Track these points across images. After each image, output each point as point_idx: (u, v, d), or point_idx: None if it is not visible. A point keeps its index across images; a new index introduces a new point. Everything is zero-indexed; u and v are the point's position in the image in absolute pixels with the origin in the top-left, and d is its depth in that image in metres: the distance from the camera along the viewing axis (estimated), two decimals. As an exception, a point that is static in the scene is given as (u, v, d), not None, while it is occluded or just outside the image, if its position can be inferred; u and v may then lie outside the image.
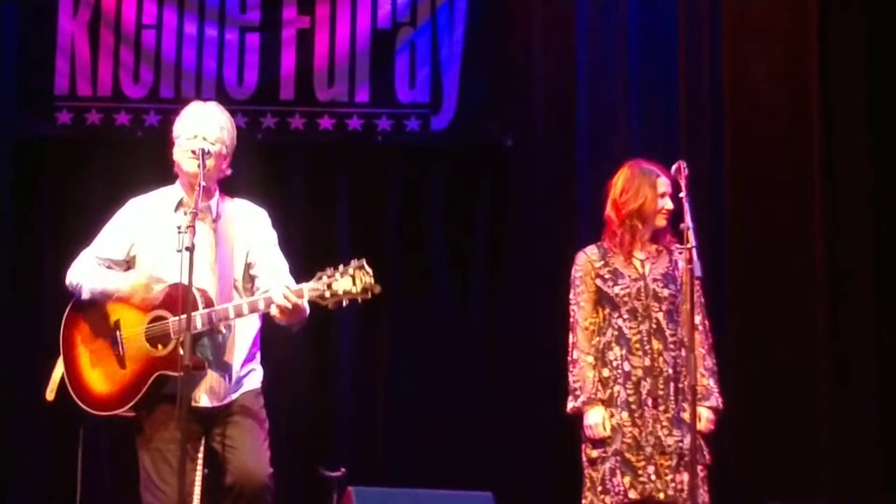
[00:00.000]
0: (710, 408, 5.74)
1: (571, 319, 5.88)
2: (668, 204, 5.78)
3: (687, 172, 5.59)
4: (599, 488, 5.71)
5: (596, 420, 5.70)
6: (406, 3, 7.87)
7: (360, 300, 4.93)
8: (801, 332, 7.50)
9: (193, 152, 5.23)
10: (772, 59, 7.77)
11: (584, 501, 5.77)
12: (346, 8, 7.86)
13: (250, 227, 5.41)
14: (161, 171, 7.41)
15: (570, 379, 5.80)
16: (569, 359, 5.84)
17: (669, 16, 7.83)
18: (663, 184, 5.80)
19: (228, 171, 5.39)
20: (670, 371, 5.71)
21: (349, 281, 4.90)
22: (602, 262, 5.85)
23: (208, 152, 5.21)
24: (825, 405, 7.42)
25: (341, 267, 4.92)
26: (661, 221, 5.82)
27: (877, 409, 7.40)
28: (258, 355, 5.42)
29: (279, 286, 5.03)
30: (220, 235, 5.31)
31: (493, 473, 7.20)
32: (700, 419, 5.62)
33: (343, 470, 6.88)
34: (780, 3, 7.80)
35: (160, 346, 5.15)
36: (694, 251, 5.40)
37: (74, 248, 7.65)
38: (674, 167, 5.63)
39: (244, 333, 5.35)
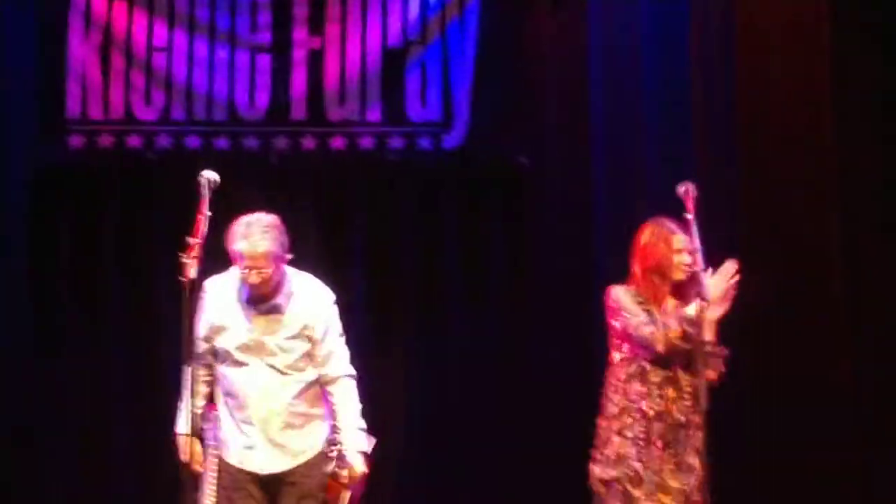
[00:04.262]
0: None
1: (633, 332, 5.83)
2: (685, 259, 5.78)
3: (695, 194, 5.57)
4: None
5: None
6: (416, 22, 7.85)
7: None
8: (820, 350, 7.44)
9: (249, 269, 5.48)
10: (786, 67, 7.71)
11: None
12: (356, 27, 7.84)
13: (312, 312, 5.64)
14: (171, 192, 7.50)
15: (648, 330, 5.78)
16: (655, 340, 5.77)
17: (682, 26, 7.75)
18: (679, 241, 5.80)
19: (289, 256, 5.59)
20: (682, 419, 5.75)
21: None
22: (640, 301, 5.88)
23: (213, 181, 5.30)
24: (848, 420, 7.37)
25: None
26: (679, 275, 5.82)
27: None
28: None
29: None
30: (283, 322, 5.60)
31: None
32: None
33: None
34: (791, 9, 7.74)
35: None
36: (702, 274, 5.41)
37: (89, 273, 7.76)
38: (681, 188, 5.60)
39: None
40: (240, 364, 5.58)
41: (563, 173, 7.79)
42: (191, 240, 5.12)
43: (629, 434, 5.77)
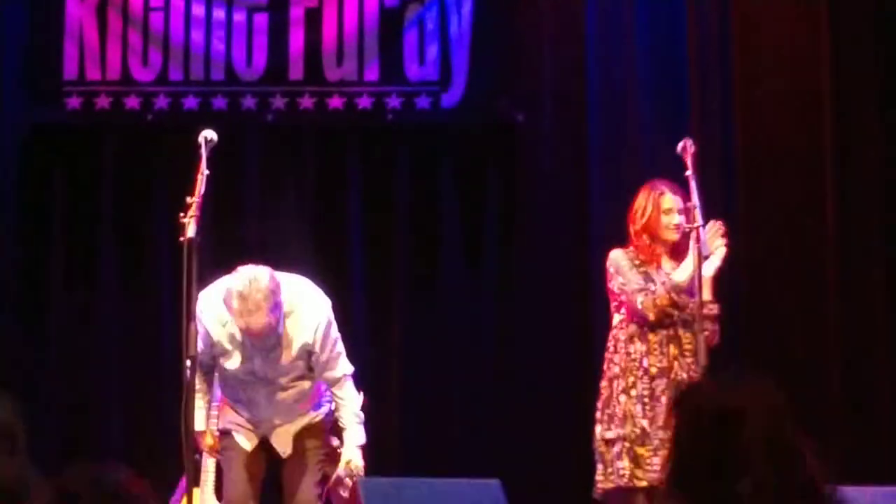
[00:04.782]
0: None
1: (627, 298, 5.86)
2: (674, 219, 5.79)
3: (693, 150, 5.58)
4: (609, 469, 5.83)
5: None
6: (414, -21, 7.83)
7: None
8: (814, 311, 7.46)
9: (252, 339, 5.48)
10: (783, 36, 7.70)
11: (597, 476, 5.90)
12: (354, -15, 7.82)
13: (311, 329, 5.60)
14: (170, 152, 7.50)
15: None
16: (645, 310, 5.82)
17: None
18: (669, 200, 5.83)
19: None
20: (684, 375, 5.82)
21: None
22: (637, 262, 5.89)
23: (210, 139, 5.30)
24: (838, 392, 7.38)
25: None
26: (670, 236, 5.86)
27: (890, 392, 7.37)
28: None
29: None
30: (283, 346, 5.58)
31: (502, 460, 7.19)
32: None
33: None
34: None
35: None
36: (701, 230, 5.42)
37: (84, 236, 7.75)
38: (679, 145, 5.62)
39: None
40: (242, 382, 5.63)
41: (559, 131, 7.76)
42: (189, 199, 5.12)
43: (633, 392, 5.81)
